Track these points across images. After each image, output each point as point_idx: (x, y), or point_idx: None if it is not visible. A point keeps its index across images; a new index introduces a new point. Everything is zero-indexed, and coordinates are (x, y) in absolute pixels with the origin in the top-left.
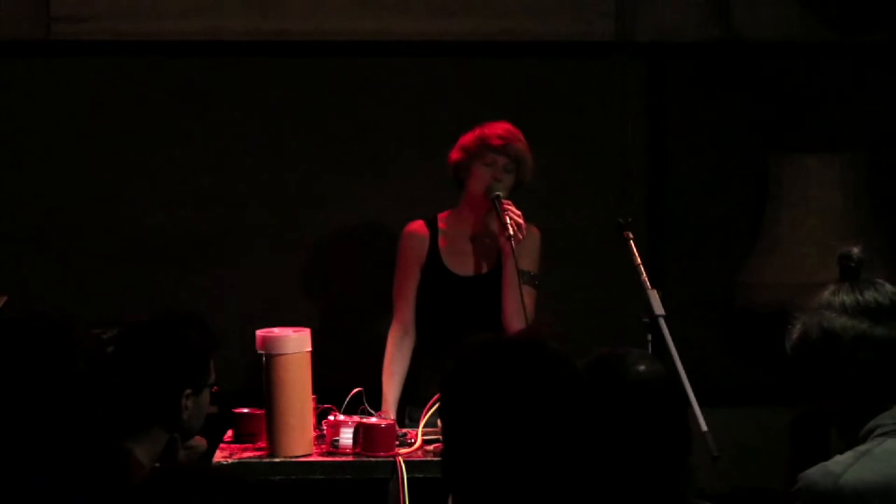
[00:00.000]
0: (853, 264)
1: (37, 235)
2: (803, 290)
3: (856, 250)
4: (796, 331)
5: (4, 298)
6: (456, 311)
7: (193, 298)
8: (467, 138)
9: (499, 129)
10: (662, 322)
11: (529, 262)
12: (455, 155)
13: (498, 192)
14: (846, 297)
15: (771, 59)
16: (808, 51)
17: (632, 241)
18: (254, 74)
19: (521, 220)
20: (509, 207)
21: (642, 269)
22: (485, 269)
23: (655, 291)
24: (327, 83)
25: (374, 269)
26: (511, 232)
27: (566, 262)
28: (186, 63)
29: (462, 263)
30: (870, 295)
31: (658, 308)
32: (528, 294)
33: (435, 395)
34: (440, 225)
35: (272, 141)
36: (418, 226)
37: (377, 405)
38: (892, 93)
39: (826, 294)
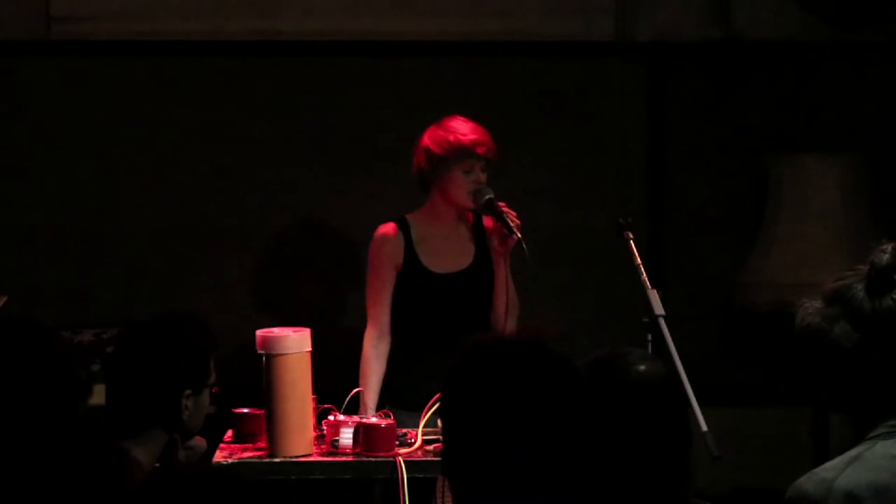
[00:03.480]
0: (875, 273)
1: (37, 235)
2: (803, 290)
3: (886, 257)
4: (811, 319)
5: (5, 298)
6: (437, 308)
7: (193, 298)
8: (436, 143)
9: (471, 134)
10: (662, 322)
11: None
12: (427, 161)
13: (490, 195)
14: (864, 302)
15: (771, 59)
16: (808, 51)
17: (632, 241)
18: (253, 74)
19: (517, 220)
20: (506, 210)
21: (642, 269)
22: (463, 266)
23: (655, 291)
24: (327, 83)
25: None
26: (518, 235)
27: (566, 262)
28: (186, 63)
29: (439, 261)
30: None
31: (658, 308)
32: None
33: (423, 397)
34: (412, 225)
35: (272, 141)
36: (389, 228)
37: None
38: (892, 93)
39: (848, 291)
